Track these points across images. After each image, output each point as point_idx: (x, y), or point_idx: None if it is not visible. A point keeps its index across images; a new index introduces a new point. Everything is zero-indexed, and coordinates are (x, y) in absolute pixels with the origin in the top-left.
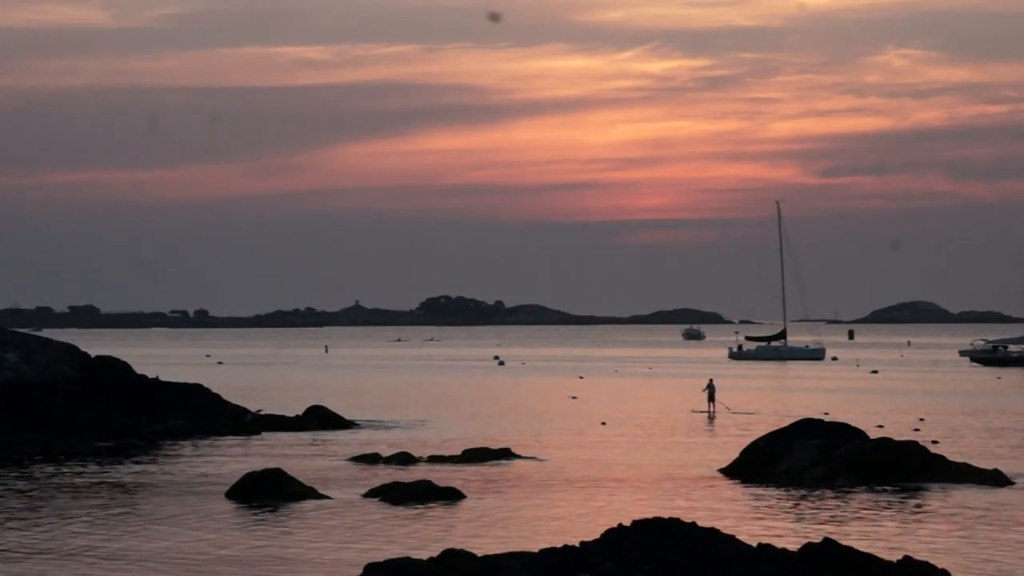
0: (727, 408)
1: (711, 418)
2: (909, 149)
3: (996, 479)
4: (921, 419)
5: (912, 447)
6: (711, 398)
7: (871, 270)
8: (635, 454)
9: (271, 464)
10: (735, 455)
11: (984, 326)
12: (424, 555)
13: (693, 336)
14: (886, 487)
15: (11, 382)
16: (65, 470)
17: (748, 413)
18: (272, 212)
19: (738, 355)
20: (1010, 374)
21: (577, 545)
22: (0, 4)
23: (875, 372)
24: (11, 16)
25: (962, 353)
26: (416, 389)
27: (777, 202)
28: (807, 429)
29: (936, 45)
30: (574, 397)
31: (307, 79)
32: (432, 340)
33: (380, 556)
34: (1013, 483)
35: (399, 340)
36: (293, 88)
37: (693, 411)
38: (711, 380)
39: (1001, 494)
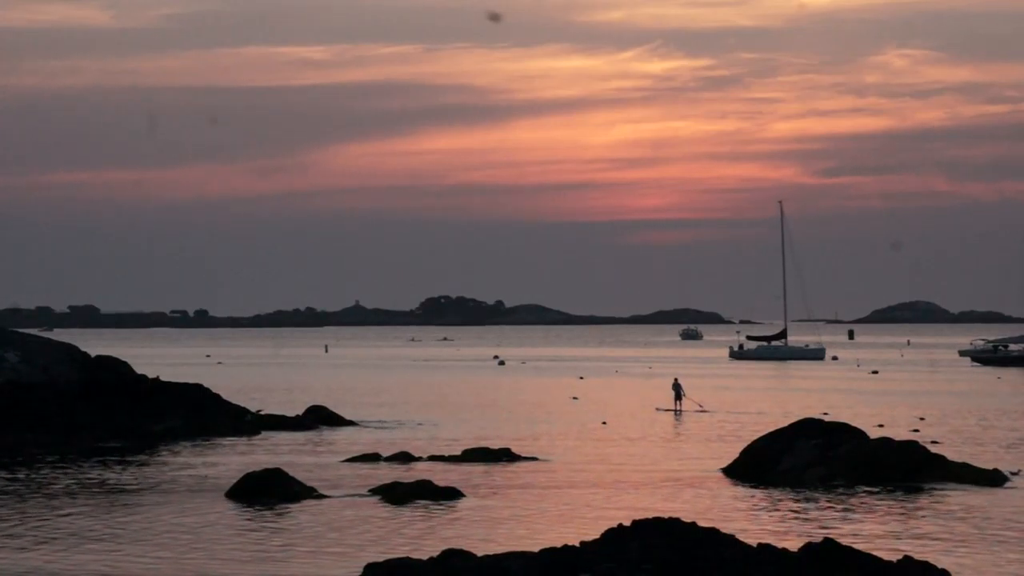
0: (699, 405)
1: (677, 415)
2: (909, 149)
3: (995, 479)
4: (921, 419)
5: (912, 447)
6: (678, 396)
7: (871, 270)
8: (635, 454)
9: (271, 464)
10: (735, 455)
11: (984, 326)
12: (424, 555)
13: (690, 336)
14: (886, 487)
15: (11, 382)
16: (65, 471)
17: (703, 410)
18: (272, 212)
19: (739, 355)
20: (1010, 374)
21: (577, 545)
22: (0, 4)
23: (875, 372)
24: (11, 16)
25: (962, 353)
26: (416, 389)
27: (780, 202)
28: (807, 429)
29: (936, 45)
30: (575, 398)
31: (307, 79)
32: (446, 340)
33: (380, 556)
34: (1012, 483)
35: (413, 339)
36: (293, 88)
37: (657, 408)
38: (676, 379)
39: (1000, 494)
